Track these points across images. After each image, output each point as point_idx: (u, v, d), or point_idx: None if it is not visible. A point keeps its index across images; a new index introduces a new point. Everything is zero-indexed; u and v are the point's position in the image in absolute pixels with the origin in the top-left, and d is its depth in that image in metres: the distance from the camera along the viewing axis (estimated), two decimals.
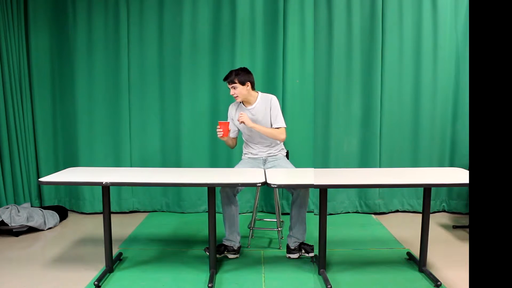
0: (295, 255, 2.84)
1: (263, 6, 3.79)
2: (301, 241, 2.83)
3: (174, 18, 3.79)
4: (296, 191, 2.75)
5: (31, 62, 3.86)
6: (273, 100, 2.99)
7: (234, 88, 2.91)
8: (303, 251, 2.82)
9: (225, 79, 2.94)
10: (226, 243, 2.83)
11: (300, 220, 2.80)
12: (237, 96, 2.93)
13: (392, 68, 3.83)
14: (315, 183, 2.29)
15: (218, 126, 2.85)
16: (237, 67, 3.76)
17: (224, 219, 2.83)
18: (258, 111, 2.98)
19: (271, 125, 2.99)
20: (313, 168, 2.87)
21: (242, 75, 2.90)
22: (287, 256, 2.87)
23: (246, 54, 3.81)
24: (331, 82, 3.83)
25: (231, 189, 2.76)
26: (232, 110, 3.09)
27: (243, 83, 2.90)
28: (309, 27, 3.79)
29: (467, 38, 3.81)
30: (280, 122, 2.98)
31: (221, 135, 2.85)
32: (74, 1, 3.77)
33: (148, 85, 3.88)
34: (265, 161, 3.02)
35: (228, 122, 2.92)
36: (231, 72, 2.94)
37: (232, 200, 2.79)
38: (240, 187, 2.88)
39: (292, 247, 2.84)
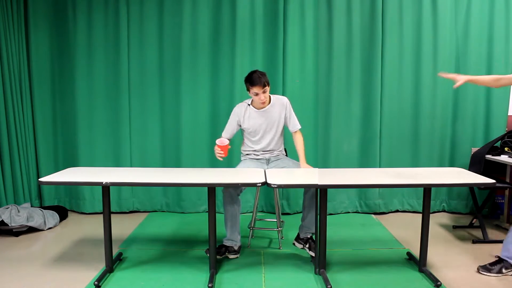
0: (300, 245, 2.86)
1: (263, 6, 3.79)
2: (312, 232, 2.82)
3: (174, 19, 3.79)
4: None
5: (31, 62, 3.86)
6: (288, 102, 2.98)
7: (265, 92, 2.79)
8: (307, 246, 2.81)
9: (254, 83, 2.73)
10: (227, 243, 2.83)
11: (312, 210, 2.75)
12: (264, 102, 2.85)
13: (392, 68, 3.83)
14: (315, 183, 2.29)
15: (219, 149, 2.73)
16: (237, 67, 3.79)
17: (226, 219, 2.82)
18: (272, 114, 2.94)
19: (283, 127, 3.00)
20: (316, 168, 2.86)
21: (265, 75, 2.79)
22: (293, 243, 2.90)
23: (246, 54, 3.81)
24: (331, 82, 3.84)
25: (235, 189, 2.75)
26: (240, 111, 2.96)
27: (269, 85, 2.80)
28: (309, 27, 3.79)
29: (467, 38, 3.81)
30: (297, 123, 3.01)
31: (222, 156, 2.74)
32: (74, 1, 3.77)
33: (148, 85, 3.88)
34: (268, 161, 3.03)
35: (228, 145, 2.77)
36: (255, 74, 2.75)
37: (235, 200, 2.78)
38: (243, 187, 2.87)
39: (302, 237, 2.84)
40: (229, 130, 3.01)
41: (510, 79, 2.68)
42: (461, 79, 2.70)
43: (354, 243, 3.16)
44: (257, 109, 2.94)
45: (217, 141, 2.77)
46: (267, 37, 3.82)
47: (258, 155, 3.02)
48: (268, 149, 3.02)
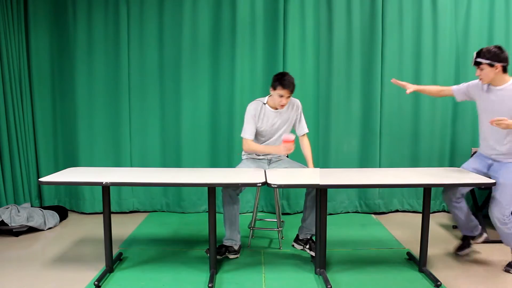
0: (300, 247, 2.85)
1: (263, 6, 3.79)
2: (312, 234, 2.81)
3: (174, 18, 3.79)
4: None
5: (31, 62, 3.86)
6: (300, 106, 2.97)
7: (289, 97, 2.79)
8: (307, 246, 2.81)
9: (285, 86, 2.70)
10: (227, 243, 2.83)
11: (314, 211, 2.73)
12: (283, 105, 2.81)
13: (392, 68, 3.83)
14: (315, 183, 2.29)
15: (289, 144, 2.67)
16: (237, 67, 3.80)
17: (225, 219, 2.81)
18: (285, 115, 2.92)
19: (291, 129, 3.00)
20: (317, 168, 2.87)
21: (293, 80, 2.77)
22: (292, 244, 2.89)
23: (246, 54, 3.81)
24: (331, 82, 3.84)
25: (234, 188, 2.74)
26: (256, 110, 2.89)
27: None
28: (309, 27, 3.79)
29: (467, 38, 3.81)
30: (305, 127, 3.01)
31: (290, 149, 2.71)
32: (74, 1, 3.77)
33: (148, 85, 3.88)
34: (270, 161, 3.02)
35: (293, 139, 2.70)
36: (288, 77, 2.72)
37: (234, 200, 2.78)
38: (243, 187, 2.86)
39: (302, 238, 2.84)
40: (251, 131, 2.87)
41: (449, 91, 2.87)
42: (410, 87, 2.84)
43: (354, 243, 3.16)
44: (273, 109, 2.89)
45: (284, 138, 2.72)
46: (267, 37, 3.82)
47: (259, 155, 3.01)
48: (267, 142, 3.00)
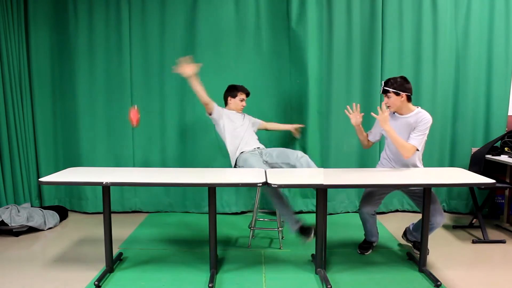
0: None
1: (266, 5, 3.79)
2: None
3: (175, 18, 3.79)
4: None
5: (31, 62, 3.86)
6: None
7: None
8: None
9: (243, 90, 3.25)
10: (297, 226, 2.79)
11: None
12: (243, 107, 3.15)
13: (392, 68, 3.83)
14: (315, 183, 2.29)
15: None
16: (239, 67, 3.81)
17: (284, 214, 2.82)
18: (244, 117, 3.30)
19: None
20: (321, 168, 2.87)
21: None
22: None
23: (248, 54, 3.80)
24: (331, 82, 3.84)
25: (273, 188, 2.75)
26: (220, 109, 3.22)
27: None
28: (310, 27, 3.79)
29: (467, 39, 3.81)
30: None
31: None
32: (75, 1, 3.77)
33: (149, 84, 3.88)
34: (261, 154, 3.08)
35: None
36: (239, 85, 3.23)
37: (281, 194, 2.81)
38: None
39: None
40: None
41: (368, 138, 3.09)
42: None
43: (354, 243, 3.16)
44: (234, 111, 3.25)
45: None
46: (271, 36, 3.81)
47: (250, 148, 3.11)
48: (247, 137, 3.15)
